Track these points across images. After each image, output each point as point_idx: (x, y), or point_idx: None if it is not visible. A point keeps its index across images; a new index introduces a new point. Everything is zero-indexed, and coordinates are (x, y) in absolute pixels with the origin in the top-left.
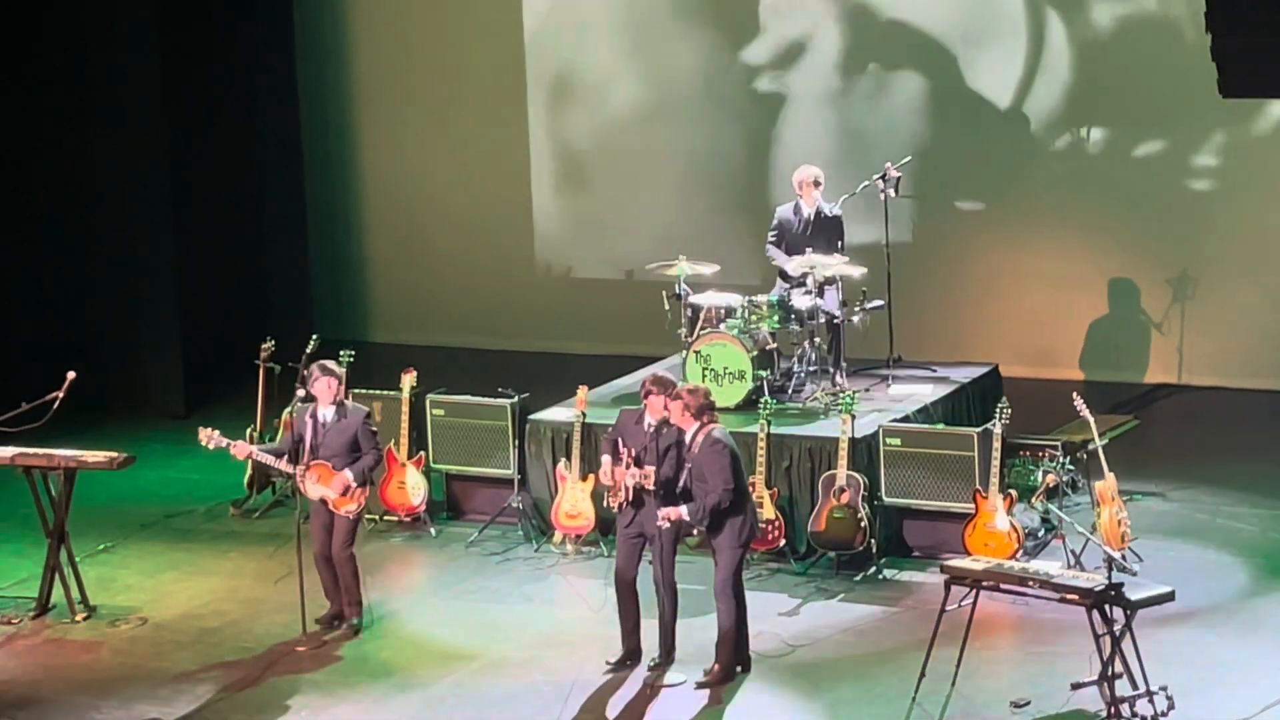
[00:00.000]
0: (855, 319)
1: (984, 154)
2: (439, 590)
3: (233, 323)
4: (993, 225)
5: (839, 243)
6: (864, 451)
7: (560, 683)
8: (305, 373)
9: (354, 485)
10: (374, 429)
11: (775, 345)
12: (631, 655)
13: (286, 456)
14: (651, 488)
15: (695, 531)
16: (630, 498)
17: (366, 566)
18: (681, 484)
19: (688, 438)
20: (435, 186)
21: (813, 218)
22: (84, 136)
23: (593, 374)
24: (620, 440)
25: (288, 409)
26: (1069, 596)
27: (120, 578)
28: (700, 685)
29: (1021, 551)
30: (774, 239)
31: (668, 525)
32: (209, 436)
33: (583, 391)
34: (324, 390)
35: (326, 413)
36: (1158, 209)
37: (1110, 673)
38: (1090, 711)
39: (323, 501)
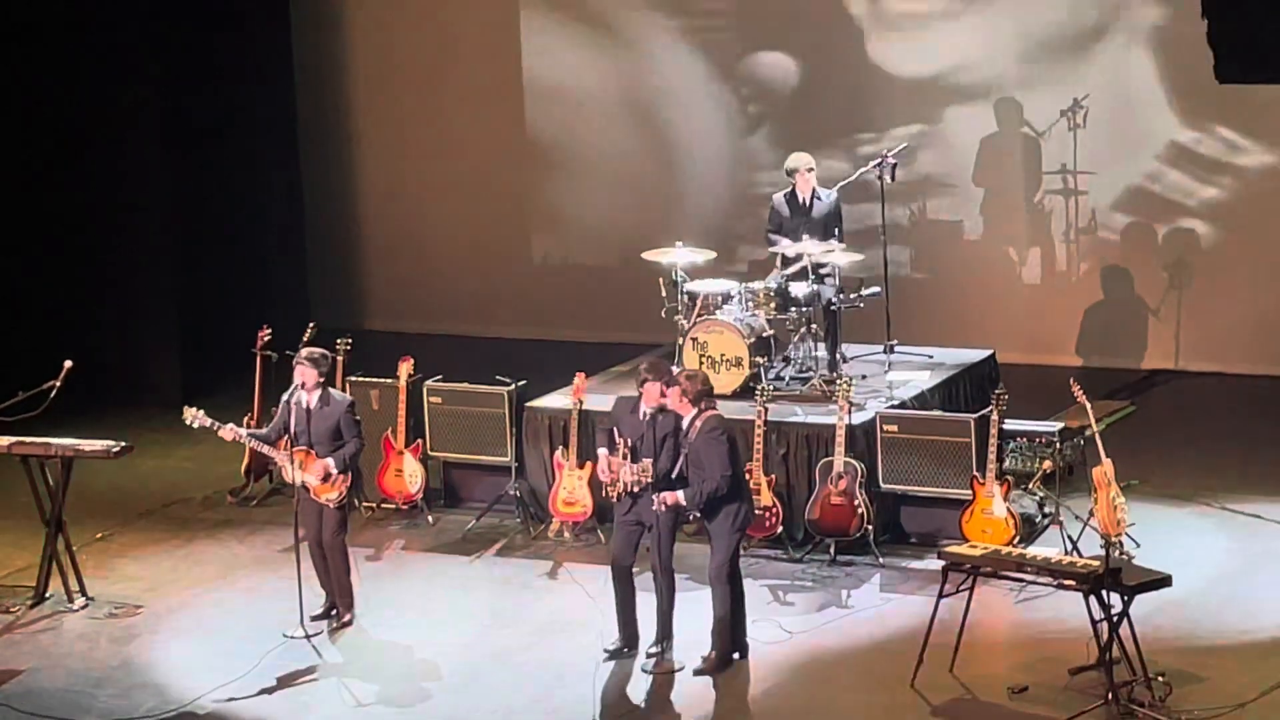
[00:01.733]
0: (859, 299)
1: (981, 140)
2: (436, 578)
3: (230, 311)
4: (989, 211)
5: (836, 229)
6: (861, 438)
7: (557, 670)
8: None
9: (335, 472)
10: (358, 418)
11: (772, 332)
12: (628, 643)
13: (274, 441)
14: (650, 481)
15: (691, 518)
16: (628, 489)
17: (363, 555)
18: (677, 471)
19: (685, 424)
20: (432, 174)
21: (808, 204)
22: (83, 127)
23: (590, 361)
24: (615, 430)
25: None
26: (1066, 582)
27: (118, 566)
28: (698, 672)
29: (1018, 537)
30: (772, 227)
31: (665, 509)
32: (194, 416)
33: (580, 379)
34: (304, 377)
35: (310, 400)
36: (1154, 195)
37: (1108, 658)
38: (1088, 697)
39: (304, 488)
